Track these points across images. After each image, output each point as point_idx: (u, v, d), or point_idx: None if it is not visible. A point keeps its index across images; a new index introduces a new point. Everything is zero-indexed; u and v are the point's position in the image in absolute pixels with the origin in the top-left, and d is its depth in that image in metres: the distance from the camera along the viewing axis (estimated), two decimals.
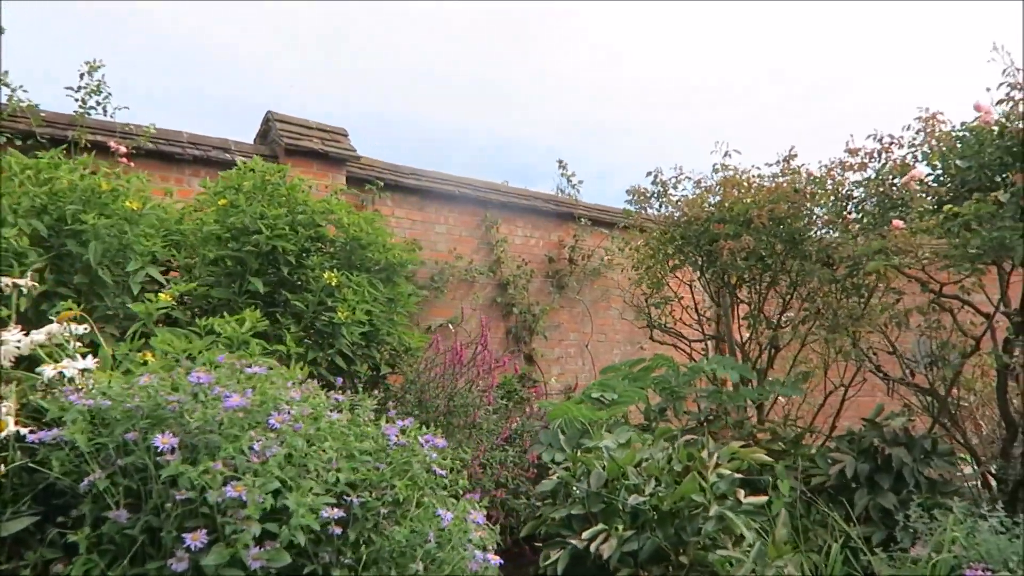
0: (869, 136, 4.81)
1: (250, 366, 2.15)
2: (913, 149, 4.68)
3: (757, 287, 5.15)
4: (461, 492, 2.28)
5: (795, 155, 5.40)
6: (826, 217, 4.92)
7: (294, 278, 3.86)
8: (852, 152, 4.84)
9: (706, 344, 5.63)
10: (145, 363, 2.39)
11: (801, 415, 5.97)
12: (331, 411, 2.19)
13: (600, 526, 3.25)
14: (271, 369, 2.27)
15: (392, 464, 2.06)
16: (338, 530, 1.87)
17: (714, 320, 6.08)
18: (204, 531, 1.70)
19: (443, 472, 2.15)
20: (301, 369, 2.56)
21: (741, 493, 3.45)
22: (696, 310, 5.70)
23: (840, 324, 4.55)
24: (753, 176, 5.29)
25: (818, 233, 5.10)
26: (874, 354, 5.39)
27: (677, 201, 5.19)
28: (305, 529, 1.78)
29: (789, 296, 5.15)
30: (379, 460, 2.08)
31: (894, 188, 4.45)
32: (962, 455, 4.78)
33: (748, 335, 5.41)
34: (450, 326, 7.28)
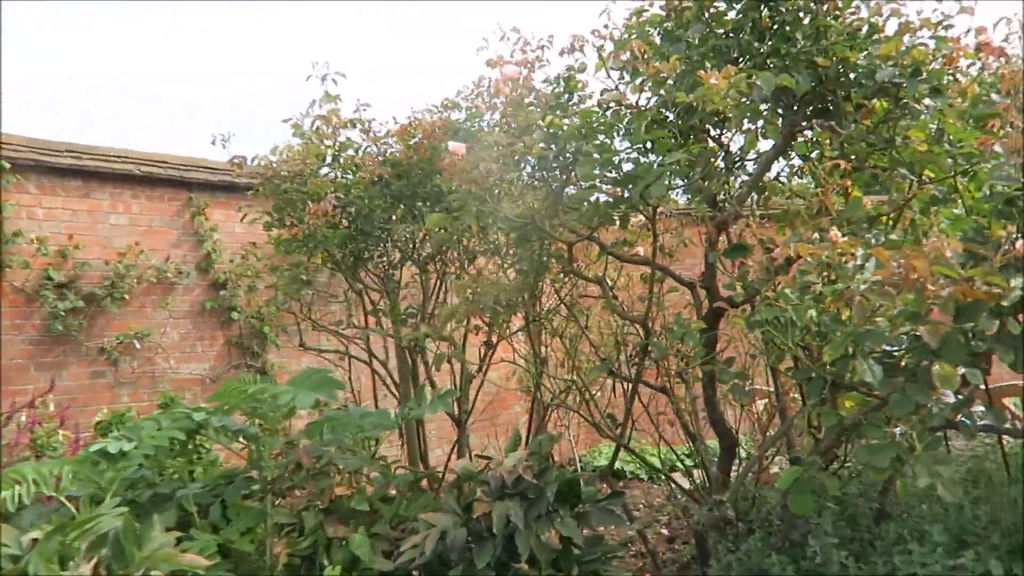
0: (516, 40, 3.35)
1: None
2: (577, 53, 3.23)
3: (375, 264, 3.67)
4: None
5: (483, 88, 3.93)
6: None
7: None
8: (494, 64, 3.36)
9: (369, 351, 4.14)
10: None
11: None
12: None
13: None
14: None
15: None
16: None
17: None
18: None
19: None
20: None
21: None
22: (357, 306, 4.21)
23: (465, 307, 3.08)
24: (418, 116, 3.79)
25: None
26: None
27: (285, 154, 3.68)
28: None
29: (437, 274, 3.68)
30: None
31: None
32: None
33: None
34: (135, 343, 5.72)
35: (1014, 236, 1.85)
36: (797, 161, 3.37)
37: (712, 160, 3.06)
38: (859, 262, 1.85)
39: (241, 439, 3.41)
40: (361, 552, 2.78)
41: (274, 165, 3.54)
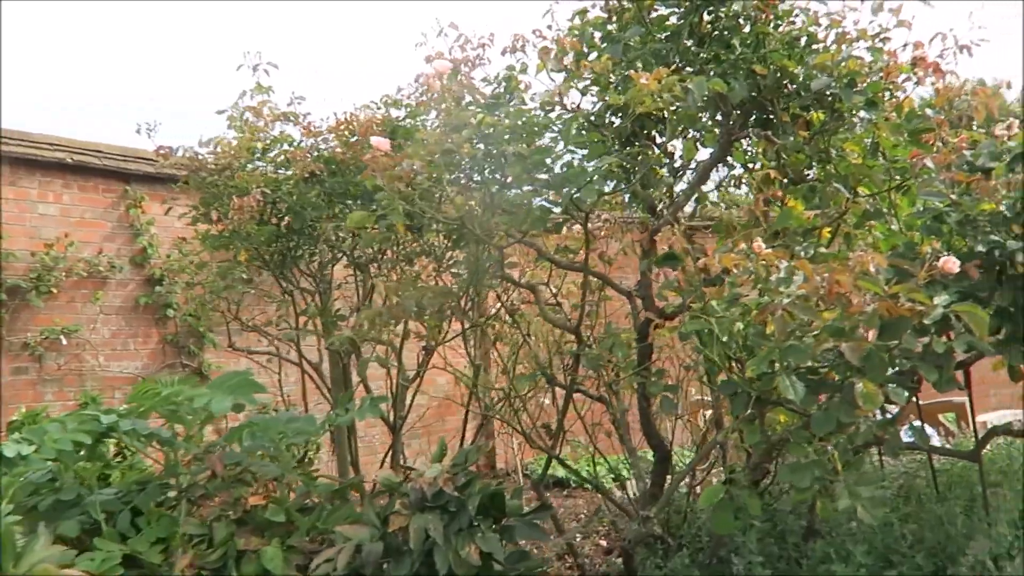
0: (457, 37, 3.25)
1: None
2: (519, 53, 3.14)
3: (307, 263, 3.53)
4: None
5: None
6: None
7: None
8: (432, 60, 3.25)
9: (300, 353, 4.00)
10: None
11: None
12: None
13: None
14: None
15: None
16: None
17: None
18: None
19: None
20: None
21: None
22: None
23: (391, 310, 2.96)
24: (356, 112, 3.65)
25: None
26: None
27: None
28: None
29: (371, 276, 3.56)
30: None
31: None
32: None
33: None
34: (61, 339, 5.45)
35: (940, 252, 1.80)
36: (740, 170, 3.34)
37: (654, 167, 2.99)
38: (782, 275, 1.79)
39: (155, 444, 3.23)
40: (273, 566, 2.64)
41: (200, 157, 3.38)
